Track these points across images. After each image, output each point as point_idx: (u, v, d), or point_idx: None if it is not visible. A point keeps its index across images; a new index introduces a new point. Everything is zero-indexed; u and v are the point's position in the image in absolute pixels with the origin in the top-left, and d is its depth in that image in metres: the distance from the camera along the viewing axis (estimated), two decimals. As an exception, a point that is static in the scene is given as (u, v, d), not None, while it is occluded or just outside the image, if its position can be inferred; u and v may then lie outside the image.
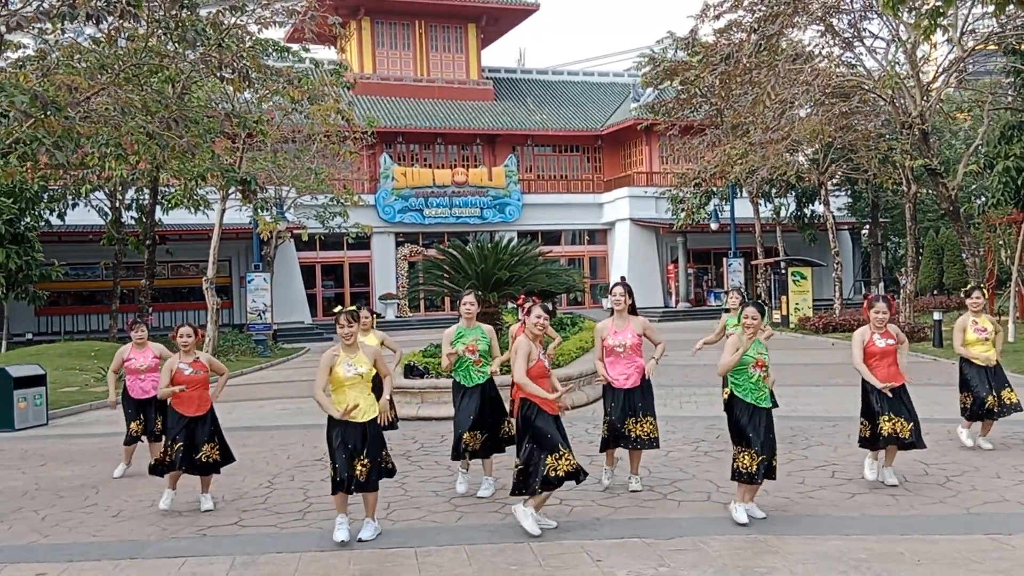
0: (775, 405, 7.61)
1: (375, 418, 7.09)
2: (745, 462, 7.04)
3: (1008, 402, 9.62)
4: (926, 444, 8.26)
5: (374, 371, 7.23)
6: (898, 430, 8.00)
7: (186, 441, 8.11)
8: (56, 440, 12.92)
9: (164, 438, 8.32)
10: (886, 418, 8.02)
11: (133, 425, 9.90)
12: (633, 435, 8.08)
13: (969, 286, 10.36)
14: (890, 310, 8.35)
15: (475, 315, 8.56)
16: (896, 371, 8.21)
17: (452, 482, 8.59)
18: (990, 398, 9.60)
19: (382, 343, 9.89)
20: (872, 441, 8.19)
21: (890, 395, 8.04)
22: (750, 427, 7.07)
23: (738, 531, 6.90)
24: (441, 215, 42.08)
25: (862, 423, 8.32)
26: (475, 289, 14.90)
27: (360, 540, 6.95)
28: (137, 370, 9.86)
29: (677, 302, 42.22)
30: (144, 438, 9.96)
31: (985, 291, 10.60)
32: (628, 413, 8.08)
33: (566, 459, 6.79)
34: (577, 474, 6.85)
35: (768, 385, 7.25)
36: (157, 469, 8.29)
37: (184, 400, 8.23)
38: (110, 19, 12.55)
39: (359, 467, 6.89)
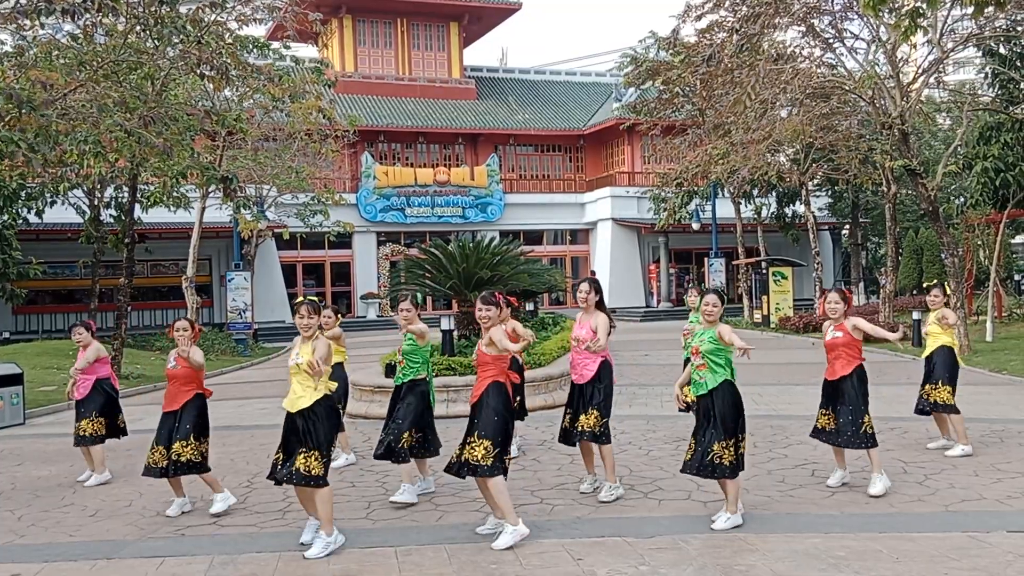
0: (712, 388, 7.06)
1: (305, 410, 6.59)
2: (688, 451, 7.08)
3: (931, 400, 9.56)
4: (859, 447, 7.92)
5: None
6: (826, 424, 8.08)
7: (164, 443, 7.92)
8: (33, 439, 12.81)
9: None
10: (821, 411, 8.16)
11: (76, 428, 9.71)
12: (581, 429, 7.86)
13: (929, 283, 10.34)
14: (846, 302, 8.13)
15: (413, 321, 8.34)
16: (840, 366, 8.01)
17: (432, 481, 8.56)
18: (921, 391, 9.68)
19: (337, 339, 9.73)
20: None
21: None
22: (697, 419, 7.09)
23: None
24: (423, 214, 42.01)
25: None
26: (456, 291, 14.96)
27: (301, 543, 6.79)
28: (78, 370, 9.79)
29: (659, 302, 42.33)
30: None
31: (948, 288, 10.54)
32: (578, 407, 7.95)
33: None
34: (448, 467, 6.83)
35: (699, 371, 7.04)
36: (149, 471, 8.02)
37: (166, 396, 8.17)
38: (87, 15, 12.44)
39: (297, 461, 6.53)
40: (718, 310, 7.08)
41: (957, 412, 9.47)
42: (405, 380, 8.29)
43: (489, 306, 6.96)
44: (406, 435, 8.01)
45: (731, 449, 6.87)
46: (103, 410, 9.61)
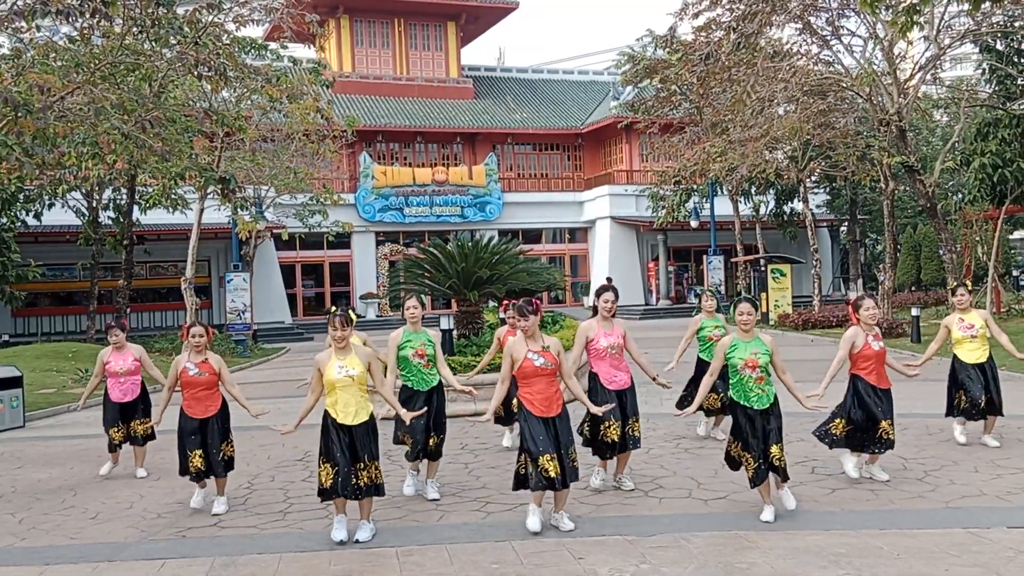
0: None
1: (367, 422, 6.98)
2: (752, 467, 7.06)
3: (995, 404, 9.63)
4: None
5: (367, 374, 7.05)
6: (892, 435, 8.18)
7: (202, 448, 7.97)
8: (33, 442, 12.80)
9: (179, 444, 8.14)
10: (887, 423, 8.16)
11: (112, 432, 9.76)
12: (634, 435, 8.08)
13: (954, 284, 10.43)
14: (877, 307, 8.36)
15: (420, 319, 8.52)
16: (885, 374, 8.28)
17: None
18: (984, 397, 9.59)
19: (364, 343, 9.81)
20: (861, 443, 8.26)
21: (879, 399, 8.17)
22: (749, 432, 7.10)
23: (719, 527, 6.91)
24: (421, 214, 41.99)
25: (848, 422, 8.31)
26: (455, 291, 14.96)
27: (357, 541, 6.89)
28: (116, 373, 9.77)
29: (658, 300, 42.31)
30: (128, 443, 9.85)
31: (969, 286, 10.57)
32: (628, 413, 8.06)
33: (545, 463, 6.78)
34: (552, 482, 6.80)
35: (760, 385, 7.21)
36: (185, 474, 8.17)
37: (191, 402, 8.15)
38: (83, 17, 12.43)
39: (364, 475, 6.87)
40: (753, 318, 7.31)
41: None
42: (435, 383, 8.41)
43: (527, 316, 7.12)
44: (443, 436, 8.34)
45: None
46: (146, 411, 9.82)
